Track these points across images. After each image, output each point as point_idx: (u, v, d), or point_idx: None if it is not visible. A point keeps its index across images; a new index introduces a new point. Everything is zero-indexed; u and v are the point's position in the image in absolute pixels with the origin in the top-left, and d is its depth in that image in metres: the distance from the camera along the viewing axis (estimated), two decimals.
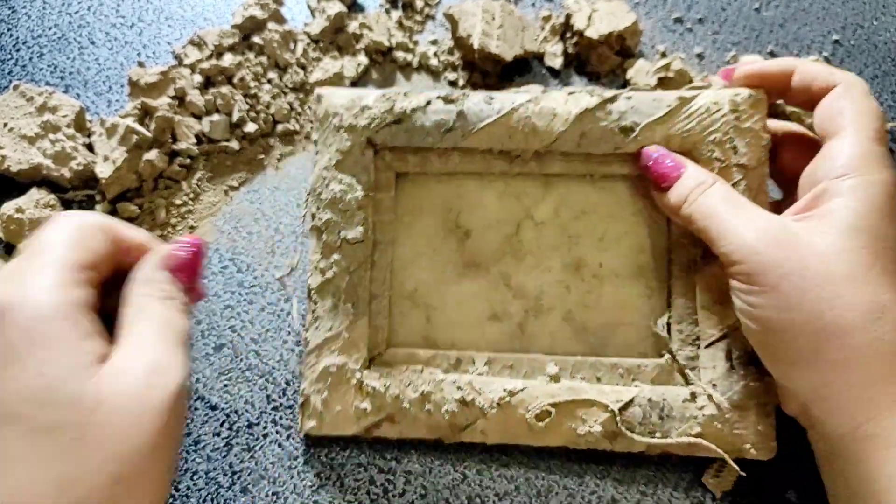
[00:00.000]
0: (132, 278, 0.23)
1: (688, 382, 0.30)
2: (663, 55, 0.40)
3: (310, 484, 0.31)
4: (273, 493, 0.31)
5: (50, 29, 0.41)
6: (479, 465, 0.31)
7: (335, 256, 0.30)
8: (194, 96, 0.37)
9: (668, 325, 0.31)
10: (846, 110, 0.27)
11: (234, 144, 0.37)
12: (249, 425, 0.32)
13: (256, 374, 0.33)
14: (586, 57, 0.39)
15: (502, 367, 0.30)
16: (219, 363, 0.33)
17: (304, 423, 0.30)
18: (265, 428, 0.32)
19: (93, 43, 0.41)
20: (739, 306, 0.26)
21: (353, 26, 0.40)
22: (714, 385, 0.29)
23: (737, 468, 0.28)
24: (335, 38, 0.40)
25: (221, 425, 0.32)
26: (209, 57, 0.39)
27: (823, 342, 0.24)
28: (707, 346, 0.29)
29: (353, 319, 0.30)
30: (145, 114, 0.37)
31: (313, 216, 0.31)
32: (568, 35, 0.40)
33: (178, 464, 0.24)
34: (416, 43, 0.41)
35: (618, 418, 0.29)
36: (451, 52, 0.40)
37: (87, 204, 0.36)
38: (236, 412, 0.32)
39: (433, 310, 0.32)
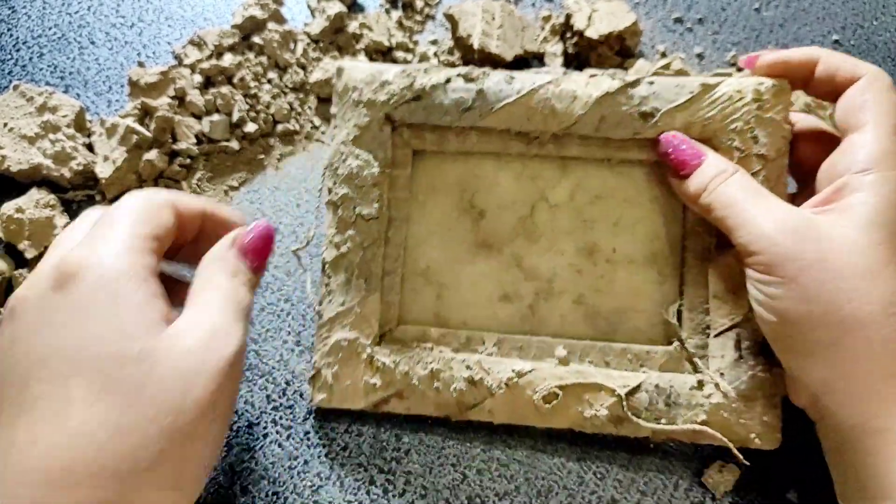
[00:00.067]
0: (207, 255, 0.25)
1: (696, 370, 0.30)
2: (663, 55, 0.40)
3: (310, 484, 0.31)
4: (273, 494, 0.31)
5: (50, 29, 0.41)
6: (479, 465, 0.31)
7: (350, 232, 0.30)
8: (194, 96, 0.37)
9: (679, 312, 0.31)
10: (869, 104, 0.27)
11: (234, 144, 0.37)
12: (249, 425, 0.32)
13: (256, 374, 0.33)
14: (586, 57, 0.39)
15: (511, 348, 0.31)
16: None
17: (315, 396, 0.30)
18: (265, 428, 0.32)
19: (93, 43, 0.41)
20: (756, 296, 0.26)
21: (353, 26, 0.40)
22: (722, 374, 0.29)
23: (741, 457, 0.28)
24: (335, 39, 0.40)
25: None
26: (209, 57, 0.39)
27: (840, 335, 0.24)
28: (717, 336, 0.29)
29: (365, 295, 0.30)
30: (145, 114, 0.37)
31: (330, 190, 0.31)
32: (568, 35, 0.40)
33: (226, 433, 0.25)
34: (416, 43, 0.41)
35: (624, 403, 0.29)
36: (450, 52, 0.40)
37: (88, 204, 0.36)
38: (236, 412, 0.32)
39: (445, 288, 0.32)
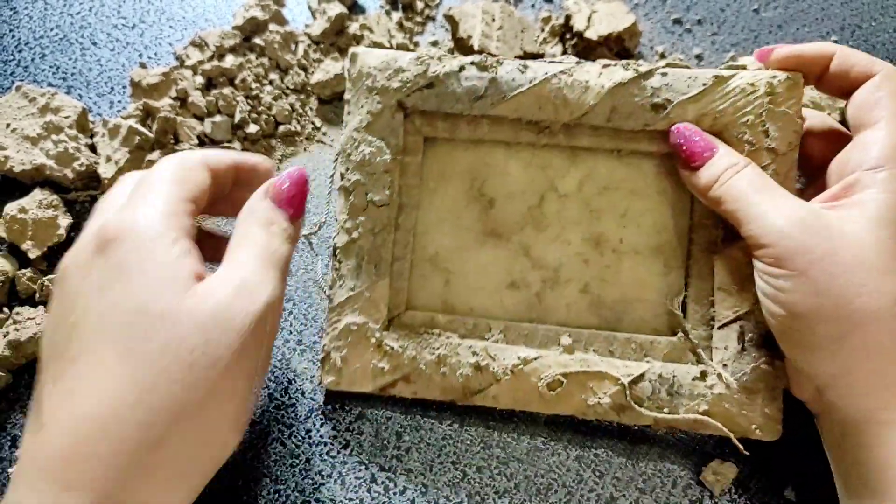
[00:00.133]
0: (243, 208, 0.25)
1: (699, 361, 0.30)
2: (662, 56, 0.40)
3: (311, 482, 0.31)
4: (275, 492, 0.31)
5: (52, 30, 0.41)
6: (479, 462, 0.31)
7: (361, 218, 0.30)
8: (196, 97, 0.37)
9: (684, 303, 0.31)
10: (883, 101, 0.27)
11: (236, 145, 0.38)
12: (251, 423, 0.32)
13: None
14: (585, 58, 0.39)
15: (517, 336, 0.31)
16: None
17: (324, 378, 0.31)
18: (267, 426, 0.32)
19: (95, 44, 0.41)
20: (765, 290, 0.26)
21: (353, 28, 0.40)
22: (725, 365, 0.29)
23: (741, 447, 0.28)
24: (336, 40, 0.41)
25: None
26: (211, 58, 0.39)
27: (849, 329, 0.24)
28: (721, 327, 0.29)
29: (374, 280, 0.30)
30: (147, 115, 0.37)
31: (342, 176, 0.31)
32: (567, 36, 0.40)
33: (257, 390, 0.25)
34: (416, 44, 0.41)
35: (627, 392, 0.29)
36: (451, 53, 0.40)
37: (90, 205, 0.37)
38: None
39: (453, 275, 0.32)
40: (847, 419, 0.25)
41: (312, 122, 0.39)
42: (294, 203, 0.26)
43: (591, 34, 0.38)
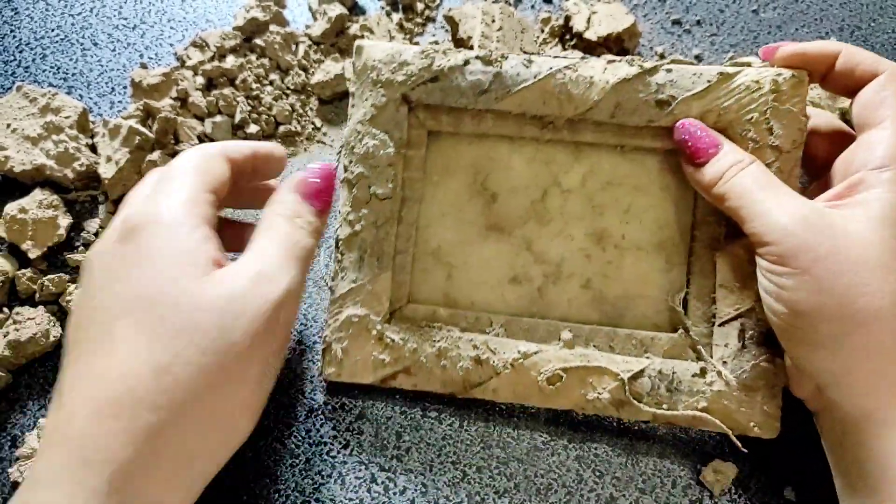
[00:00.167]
0: (269, 200, 0.26)
1: (699, 358, 0.30)
2: (661, 57, 0.41)
3: (311, 482, 0.31)
4: (275, 492, 0.31)
5: (53, 30, 0.41)
6: (479, 462, 0.31)
7: (364, 211, 0.31)
8: (196, 98, 0.38)
9: (685, 300, 0.31)
10: (889, 101, 0.27)
11: None
12: None
13: None
14: None
15: (518, 330, 0.31)
16: None
17: (325, 369, 0.31)
18: (267, 426, 0.32)
19: (95, 44, 0.41)
20: (767, 287, 0.26)
21: (354, 28, 0.40)
22: (724, 363, 0.29)
23: (739, 444, 0.28)
24: (336, 41, 0.41)
25: None
26: (211, 59, 0.39)
27: (851, 328, 0.24)
28: (721, 324, 0.29)
29: (377, 273, 0.31)
30: (148, 115, 0.37)
31: (346, 168, 0.31)
32: (567, 37, 0.40)
33: (272, 378, 0.25)
34: (416, 45, 0.41)
35: (626, 387, 0.29)
36: None
37: (91, 204, 0.37)
38: None
39: (455, 269, 0.32)
40: (847, 418, 0.25)
41: (313, 123, 0.39)
42: (321, 197, 0.27)
43: (591, 35, 0.38)
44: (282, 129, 0.39)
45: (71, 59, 0.41)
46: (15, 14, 0.42)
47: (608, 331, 0.31)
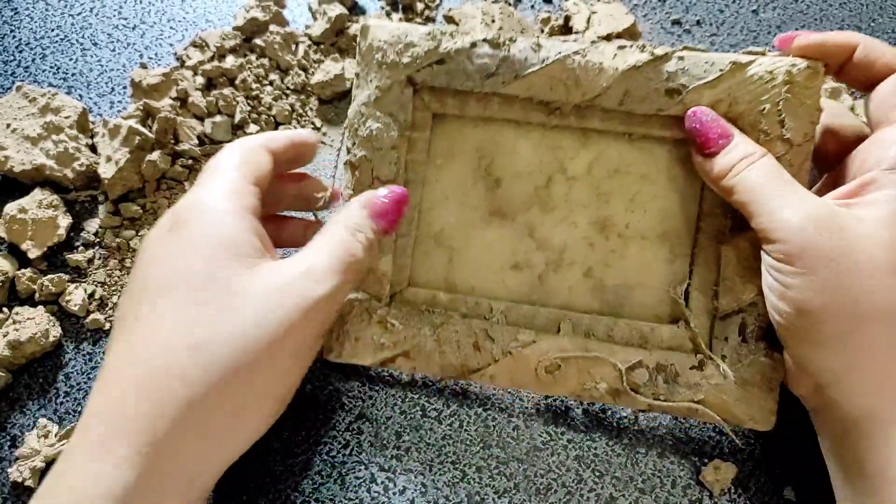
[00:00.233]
0: (340, 208, 0.28)
1: (698, 351, 0.30)
2: None
3: (311, 482, 0.31)
4: (276, 491, 0.31)
5: (52, 30, 0.41)
6: (478, 462, 0.31)
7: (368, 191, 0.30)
8: (196, 98, 0.38)
9: (687, 292, 0.31)
10: None
11: None
12: None
13: None
14: None
15: (518, 317, 0.31)
16: None
17: (325, 351, 0.31)
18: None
19: (95, 44, 0.41)
20: (771, 285, 0.26)
21: (353, 28, 0.40)
22: (724, 357, 0.29)
23: (734, 437, 0.28)
24: (336, 41, 0.41)
25: None
26: (211, 59, 0.39)
27: (856, 327, 0.24)
28: (723, 318, 0.29)
29: (378, 256, 0.30)
30: (147, 115, 0.37)
31: (349, 150, 0.31)
32: (567, 37, 0.40)
33: (298, 375, 0.26)
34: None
35: (624, 378, 0.29)
36: None
37: (91, 204, 0.37)
38: None
39: (456, 253, 0.32)
40: (848, 417, 0.25)
41: (312, 123, 0.39)
42: (386, 217, 0.27)
43: (591, 35, 0.38)
44: (281, 129, 0.39)
45: (71, 59, 0.41)
46: (15, 14, 0.42)
47: (608, 320, 0.31)
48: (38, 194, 0.35)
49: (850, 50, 0.28)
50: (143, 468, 0.22)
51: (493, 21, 0.39)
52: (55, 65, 0.40)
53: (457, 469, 0.31)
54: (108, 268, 0.35)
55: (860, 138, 0.28)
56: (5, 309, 0.34)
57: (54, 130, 0.36)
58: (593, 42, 0.30)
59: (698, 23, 0.42)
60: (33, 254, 0.34)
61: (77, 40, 0.41)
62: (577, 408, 0.33)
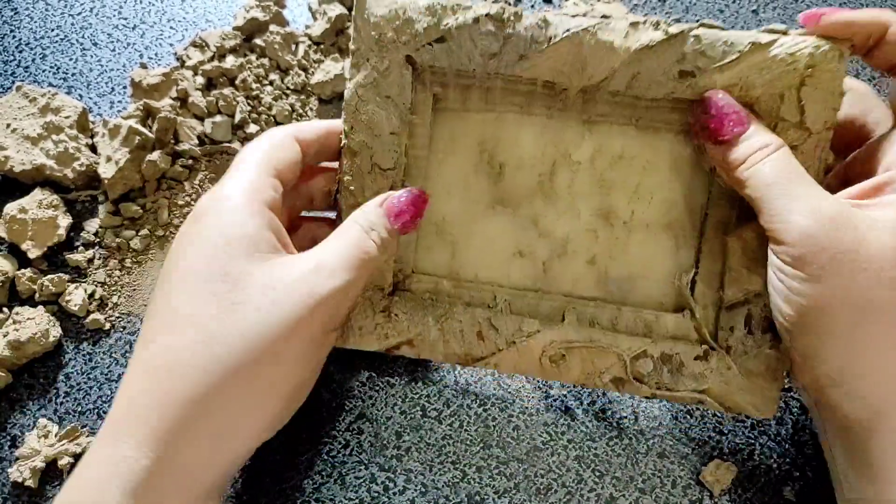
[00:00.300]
0: (358, 208, 0.28)
1: (703, 341, 0.30)
2: None
3: (311, 482, 0.31)
4: (276, 491, 0.31)
5: (52, 30, 0.41)
6: (478, 462, 0.31)
7: (366, 181, 0.30)
8: (196, 98, 0.38)
9: (693, 282, 0.30)
10: None
11: (237, 146, 0.38)
12: None
13: None
14: None
15: (521, 306, 0.31)
16: None
17: None
18: None
19: (95, 44, 0.41)
20: (777, 286, 0.26)
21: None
22: (728, 347, 0.29)
23: (733, 414, 0.28)
24: (336, 41, 0.41)
25: None
26: (211, 59, 0.39)
27: (859, 336, 0.24)
28: (728, 309, 0.29)
29: (393, 254, 0.30)
30: (147, 115, 0.37)
31: (347, 135, 0.29)
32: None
33: (311, 371, 0.27)
34: None
35: (628, 367, 0.29)
36: None
37: (91, 204, 0.37)
38: None
39: (459, 242, 0.31)
40: (850, 416, 0.25)
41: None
42: (402, 217, 0.27)
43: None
44: None
45: (71, 59, 0.41)
46: (15, 14, 0.42)
47: (612, 309, 0.30)
48: (38, 194, 0.35)
49: (883, 30, 0.26)
50: (156, 458, 0.22)
51: None
52: (55, 65, 0.40)
53: (457, 469, 0.31)
54: (108, 268, 0.35)
55: (881, 124, 0.27)
56: (5, 309, 0.34)
57: (54, 130, 0.36)
58: (604, 16, 0.28)
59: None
60: (33, 254, 0.34)
61: (77, 40, 0.41)
62: (578, 408, 0.33)
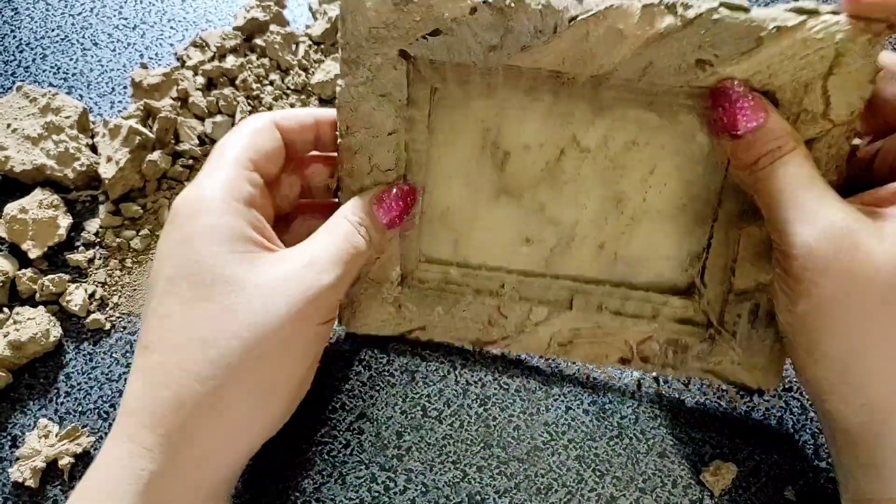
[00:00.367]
0: (346, 202, 0.27)
1: (709, 327, 0.30)
2: None
3: (311, 482, 0.31)
4: (276, 491, 0.31)
5: (53, 30, 0.41)
6: (479, 462, 0.31)
7: (366, 181, 0.29)
8: (197, 98, 0.38)
9: (703, 269, 0.30)
10: None
11: None
12: None
13: None
14: None
15: (530, 292, 0.31)
16: None
17: (344, 323, 0.32)
18: None
19: (95, 44, 0.41)
20: (777, 294, 0.26)
21: None
22: (734, 333, 0.29)
23: (725, 384, 0.30)
24: (336, 41, 0.41)
25: None
26: (211, 59, 0.39)
27: (856, 354, 0.24)
28: (737, 296, 0.29)
29: (383, 249, 0.30)
30: (148, 115, 0.37)
31: (343, 134, 0.28)
32: None
33: (307, 368, 0.27)
34: None
35: (634, 350, 0.29)
36: None
37: (91, 204, 0.37)
38: None
39: (465, 230, 0.31)
40: (850, 421, 0.25)
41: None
42: (390, 213, 0.27)
43: None
44: None
45: (71, 59, 0.41)
46: (15, 14, 0.42)
47: (620, 293, 0.30)
48: (38, 194, 0.35)
49: None
50: (166, 458, 0.22)
51: None
52: (55, 65, 0.40)
53: (457, 469, 0.31)
54: (108, 268, 0.35)
55: None
56: (6, 309, 0.34)
57: (55, 130, 0.36)
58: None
59: None
60: (34, 254, 0.34)
61: (77, 40, 0.41)
62: (578, 408, 0.33)
